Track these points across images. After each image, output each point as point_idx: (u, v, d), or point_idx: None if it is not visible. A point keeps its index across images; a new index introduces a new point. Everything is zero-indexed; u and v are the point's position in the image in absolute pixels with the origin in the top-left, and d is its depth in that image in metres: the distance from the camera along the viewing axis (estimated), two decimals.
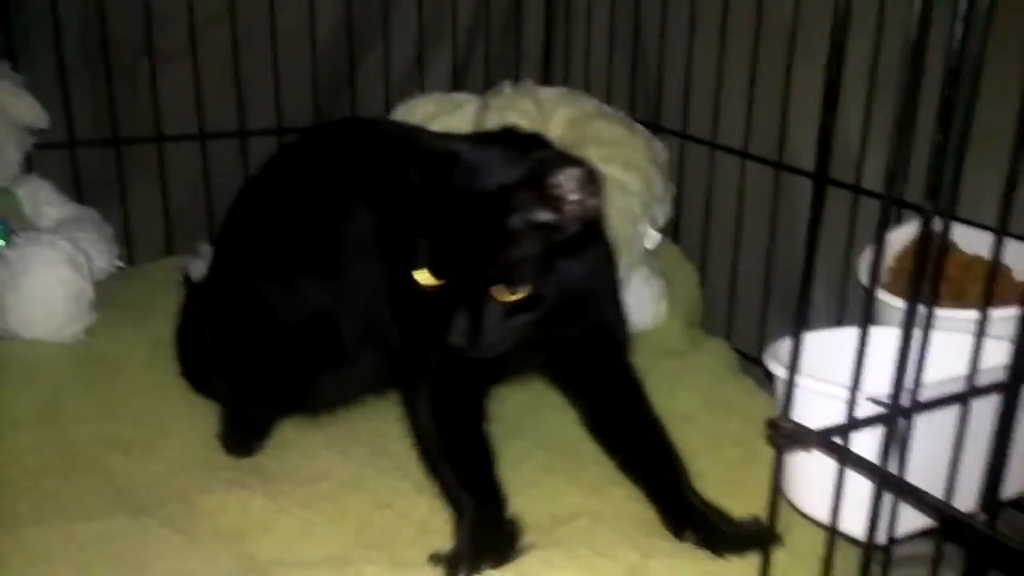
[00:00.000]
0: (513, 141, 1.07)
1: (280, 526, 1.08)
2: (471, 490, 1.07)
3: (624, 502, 1.12)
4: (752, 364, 1.50)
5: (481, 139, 1.07)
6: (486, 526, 1.04)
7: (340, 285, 1.20)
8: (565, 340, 1.11)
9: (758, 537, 1.01)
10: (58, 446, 1.17)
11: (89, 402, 1.25)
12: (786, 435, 0.72)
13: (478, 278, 0.94)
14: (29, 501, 1.07)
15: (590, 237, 1.00)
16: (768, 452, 1.15)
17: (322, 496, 1.13)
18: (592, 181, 0.94)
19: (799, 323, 0.73)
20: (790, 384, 0.73)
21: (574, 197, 0.94)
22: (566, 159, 0.95)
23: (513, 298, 0.95)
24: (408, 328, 1.13)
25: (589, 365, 1.17)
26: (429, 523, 1.09)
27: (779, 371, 0.94)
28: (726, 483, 1.15)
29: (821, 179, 0.73)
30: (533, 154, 0.98)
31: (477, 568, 0.98)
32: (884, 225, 0.75)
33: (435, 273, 0.95)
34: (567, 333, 1.09)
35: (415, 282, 0.97)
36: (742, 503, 1.10)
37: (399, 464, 1.18)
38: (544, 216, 0.95)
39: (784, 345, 0.99)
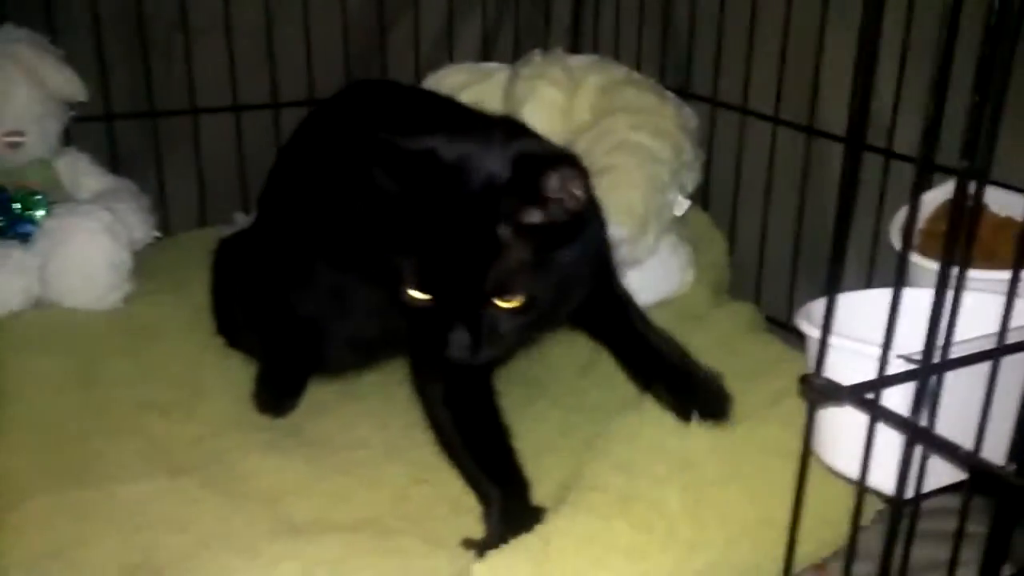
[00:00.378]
0: (489, 129, 1.02)
1: (317, 490, 1.10)
2: (494, 478, 1.06)
3: None
4: (780, 329, 1.51)
5: (456, 129, 1.03)
6: (514, 514, 1.03)
7: (347, 268, 1.19)
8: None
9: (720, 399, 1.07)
10: (99, 409, 1.19)
11: (128, 367, 1.28)
12: (818, 391, 0.73)
13: (473, 292, 0.92)
14: (73, 463, 1.09)
15: (583, 219, 0.97)
16: (780, 392, 1.19)
17: (358, 464, 1.14)
18: (580, 174, 0.93)
19: (833, 282, 0.73)
20: (823, 341, 0.74)
21: (564, 195, 0.92)
22: (550, 157, 0.94)
23: (511, 305, 0.93)
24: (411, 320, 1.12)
25: (596, 308, 1.16)
26: (462, 502, 1.09)
27: (811, 331, 0.95)
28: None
29: (856, 145, 0.73)
30: (514, 146, 0.95)
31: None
32: (919, 188, 0.75)
33: (425, 290, 0.93)
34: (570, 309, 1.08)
35: (405, 297, 0.94)
36: (749, 441, 1.11)
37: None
38: (535, 218, 0.92)
39: (816, 306, 0.99)
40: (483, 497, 1.06)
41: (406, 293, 0.94)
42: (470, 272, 0.91)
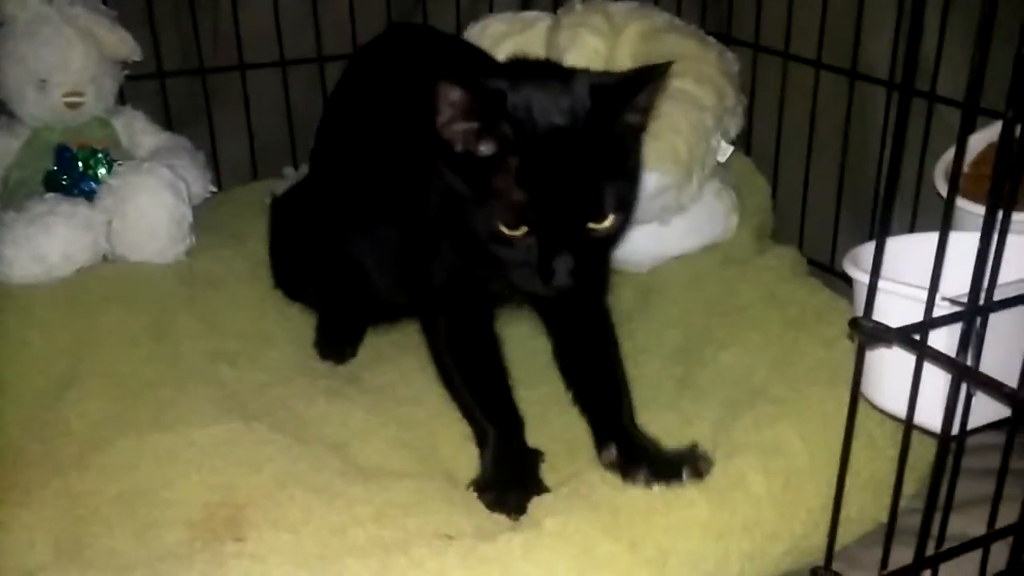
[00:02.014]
0: (540, 71, 1.06)
1: (380, 437, 1.13)
2: (491, 417, 1.10)
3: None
4: (825, 272, 1.53)
5: (505, 73, 1.06)
6: (507, 455, 1.07)
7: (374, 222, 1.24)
8: None
9: (683, 462, 1.00)
10: (170, 359, 1.24)
11: (195, 318, 1.33)
12: (868, 333, 0.76)
13: (578, 218, 0.97)
14: (150, 409, 1.14)
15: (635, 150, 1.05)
16: (824, 337, 1.23)
17: (416, 413, 1.18)
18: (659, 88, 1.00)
19: (883, 226, 0.76)
20: (872, 285, 0.77)
21: (650, 100, 1.00)
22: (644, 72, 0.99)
23: (606, 225, 0.98)
24: (416, 256, 1.15)
25: (569, 301, 1.15)
26: None
27: (858, 275, 0.98)
28: (779, 364, 1.21)
29: (907, 89, 0.75)
30: (581, 77, 1.00)
31: (503, 494, 1.02)
32: (965, 131, 0.77)
33: (528, 222, 0.96)
34: None
35: (496, 234, 0.97)
36: (790, 380, 1.16)
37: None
38: (634, 119, 0.99)
39: (862, 250, 1.02)
40: (479, 436, 1.10)
41: (498, 230, 0.97)
42: (572, 193, 0.95)
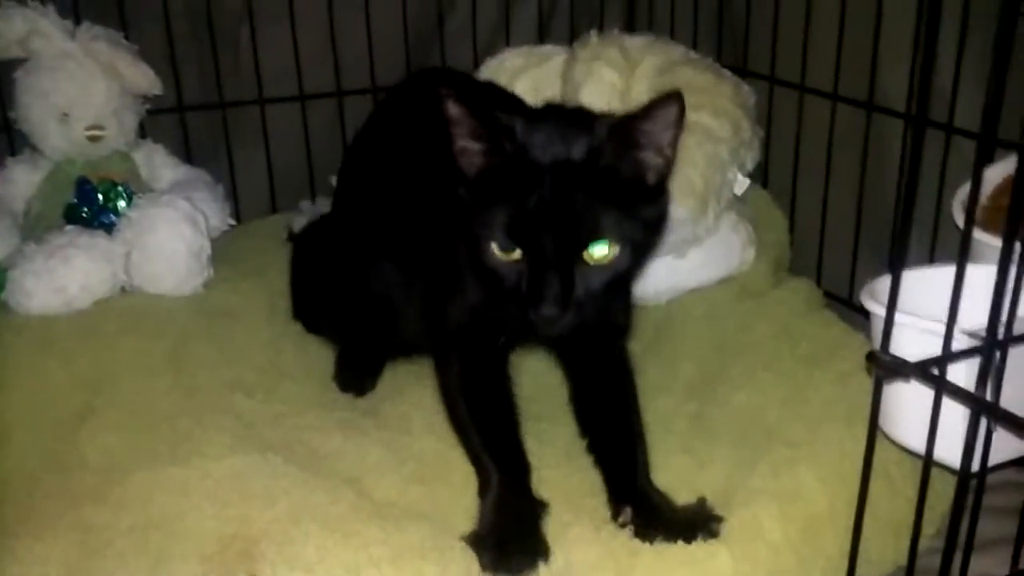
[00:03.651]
0: (565, 115, 1.05)
1: (397, 473, 1.12)
2: (497, 461, 1.07)
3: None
4: (843, 306, 1.52)
5: (530, 113, 1.07)
6: (510, 503, 1.04)
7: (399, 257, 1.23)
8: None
9: (696, 522, 1.00)
10: (188, 390, 1.24)
11: (213, 350, 1.33)
12: (885, 367, 0.76)
13: (569, 243, 0.94)
14: (166, 442, 1.14)
15: (662, 192, 1.01)
16: (838, 372, 1.22)
17: (434, 449, 1.17)
18: (682, 116, 0.95)
19: (898, 259, 0.76)
20: (889, 318, 0.77)
21: (659, 142, 0.96)
22: (654, 105, 0.95)
23: (601, 256, 0.95)
24: (434, 295, 1.15)
25: (586, 345, 1.15)
26: (539, 490, 1.09)
27: (875, 308, 0.97)
28: (793, 402, 1.21)
29: (921, 121, 0.75)
30: (602, 120, 0.98)
31: (505, 556, 0.97)
32: (981, 163, 0.77)
33: (519, 243, 0.95)
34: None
35: (490, 259, 0.97)
36: (806, 420, 1.15)
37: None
38: (636, 152, 0.96)
39: (880, 283, 1.01)
40: (482, 481, 1.07)
41: (492, 255, 0.96)
42: (567, 217, 0.94)
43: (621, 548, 0.98)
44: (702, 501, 1.03)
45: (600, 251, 0.95)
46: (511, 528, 1.01)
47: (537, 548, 0.99)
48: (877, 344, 0.81)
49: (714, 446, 1.17)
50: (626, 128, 0.95)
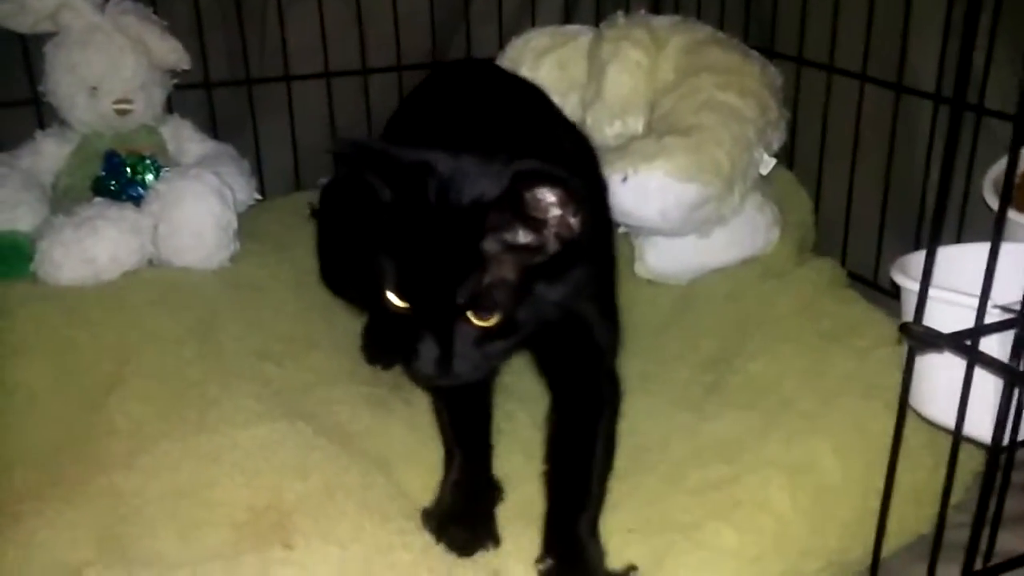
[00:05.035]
0: (500, 141, 1.01)
1: (424, 461, 1.12)
2: (459, 439, 1.08)
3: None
4: (865, 286, 1.52)
5: (466, 140, 0.99)
6: (464, 483, 1.04)
7: None
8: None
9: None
10: (216, 359, 1.24)
11: (240, 321, 1.33)
12: (918, 337, 0.76)
13: (448, 302, 0.88)
14: (194, 410, 1.15)
15: (575, 255, 0.92)
16: (856, 348, 1.22)
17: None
18: (573, 199, 0.88)
19: (935, 232, 0.76)
20: (923, 291, 0.77)
21: (553, 216, 0.88)
22: (546, 175, 0.87)
23: (485, 324, 0.90)
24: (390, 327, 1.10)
25: (567, 361, 1.11)
26: None
27: (907, 283, 0.97)
28: (810, 375, 1.21)
29: (958, 104, 0.75)
30: (517, 164, 0.89)
31: (447, 528, 0.98)
32: (1018, 144, 0.77)
33: (402, 295, 0.91)
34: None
35: (386, 301, 0.93)
36: (822, 392, 1.15)
37: (534, 420, 1.17)
38: (522, 237, 0.89)
39: (910, 259, 1.01)
40: (446, 459, 1.08)
41: (387, 298, 0.92)
42: (446, 280, 0.88)
43: None
44: (631, 568, 0.96)
45: (481, 317, 0.89)
46: (460, 507, 1.02)
47: (483, 531, 0.99)
48: (908, 319, 0.81)
49: (723, 406, 1.18)
50: (520, 187, 0.87)
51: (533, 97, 1.33)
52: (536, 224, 0.88)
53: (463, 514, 1.01)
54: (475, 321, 0.89)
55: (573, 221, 0.89)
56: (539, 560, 0.96)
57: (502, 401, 1.20)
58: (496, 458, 1.11)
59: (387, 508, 1.01)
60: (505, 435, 1.15)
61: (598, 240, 1.10)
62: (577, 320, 1.06)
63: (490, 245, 0.88)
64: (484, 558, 0.97)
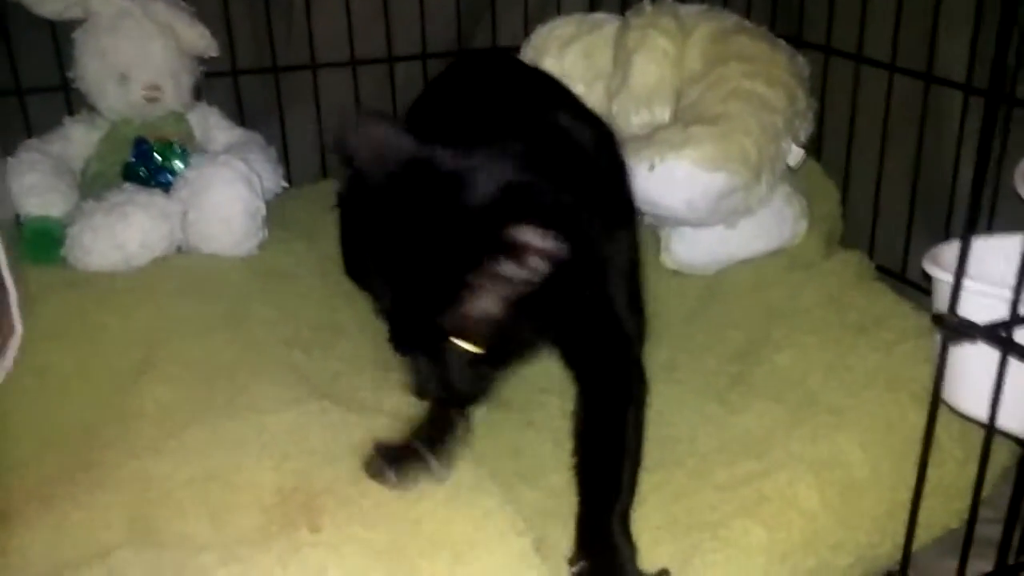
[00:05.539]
0: (508, 133, 1.00)
1: None
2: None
3: None
4: (892, 279, 1.51)
5: (473, 133, 1.00)
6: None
7: None
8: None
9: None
10: (245, 345, 1.25)
11: (269, 308, 1.34)
12: (952, 328, 0.75)
13: (433, 328, 0.89)
14: (224, 394, 1.15)
15: (564, 281, 0.90)
16: (883, 341, 1.22)
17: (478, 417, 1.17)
18: (557, 228, 0.85)
19: (971, 222, 0.75)
20: (957, 280, 0.76)
21: (536, 249, 0.85)
22: (528, 208, 0.87)
23: (471, 350, 0.90)
24: None
25: (592, 352, 1.10)
26: None
27: (939, 273, 0.96)
28: (836, 368, 1.21)
29: (994, 95, 0.74)
30: (511, 172, 0.90)
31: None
32: None
33: (390, 316, 0.92)
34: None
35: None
36: (849, 385, 1.15)
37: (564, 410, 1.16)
38: (506, 271, 0.87)
39: (942, 250, 1.01)
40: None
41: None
42: (430, 307, 0.88)
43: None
44: (663, 572, 0.95)
45: (469, 342, 0.89)
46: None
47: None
48: (940, 310, 0.81)
49: (750, 398, 1.18)
50: (496, 243, 0.85)
51: (549, 88, 1.33)
52: (519, 259, 0.86)
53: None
54: (464, 346, 0.89)
55: (557, 249, 0.86)
56: (572, 561, 0.95)
57: (531, 390, 1.21)
58: (527, 446, 1.12)
59: (413, 491, 1.01)
60: (535, 426, 1.16)
61: (620, 229, 1.11)
62: (603, 310, 1.07)
63: (475, 277, 0.87)
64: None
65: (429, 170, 0.91)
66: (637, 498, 1.03)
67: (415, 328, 0.91)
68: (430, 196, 0.90)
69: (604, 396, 1.08)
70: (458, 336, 0.89)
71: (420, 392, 0.93)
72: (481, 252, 0.86)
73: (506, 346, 0.92)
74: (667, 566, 0.95)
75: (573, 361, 1.13)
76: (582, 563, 0.94)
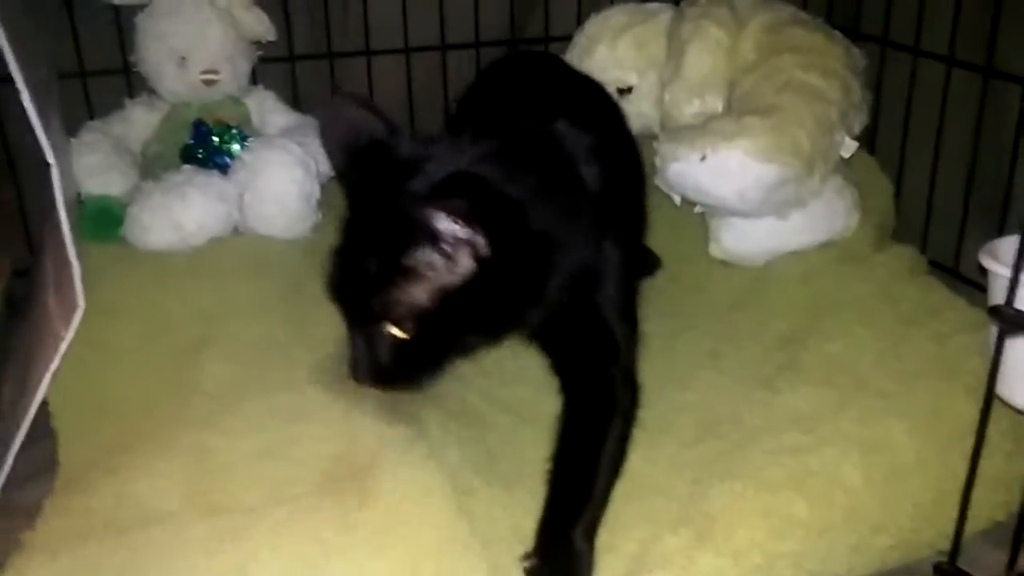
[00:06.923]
0: (486, 138, 0.98)
1: (499, 422, 1.14)
2: None
3: None
4: (945, 274, 1.50)
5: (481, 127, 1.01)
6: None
7: None
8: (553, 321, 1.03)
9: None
10: (300, 323, 1.27)
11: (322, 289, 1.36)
12: (1009, 320, 0.75)
13: (366, 309, 0.91)
14: (279, 371, 1.18)
15: (505, 278, 0.91)
16: (937, 333, 1.22)
17: (519, 398, 1.19)
18: (483, 220, 0.85)
19: None
20: (1015, 274, 0.76)
21: (461, 239, 0.86)
22: (462, 198, 0.86)
23: (401, 336, 0.91)
24: None
25: (578, 358, 1.08)
26: None
27: (996, 267, 0.96)
28: (887, 357, 1.20)
29: None
30: (456, 161, 0.91)
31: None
32: None
33: (329, 289, 0.95)
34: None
35: None
36: (899, 374, 1.15)
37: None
38: (431, 258, 0.88)
39: (1000, 243, 1.00)
40: None
41: None
42: (364, 286, 0.90)
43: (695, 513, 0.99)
44: None
45: (400, 328, 0.90)
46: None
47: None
48: (995, 303, 0.81)
49: (797, 383, 1.18)
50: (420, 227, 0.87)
51: (573, 95, 1.34)
52: (438, 247, 0.87)
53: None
54: (396, 332, 0.90)
55: (481, 243, 0.87)
56: (525, 557, 0.92)
57: (519, 388, 1.21)
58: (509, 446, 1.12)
59: (461, 464, 1.03)
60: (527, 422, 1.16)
61: (615, 238, 1.09)
62: (590, 317, 1.06)
63: (409, 260, 0.89)
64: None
65: (386, 155, 0.94)
66: (673, 463, 1.05)
67: (351, 307, 0.93)
68: (382, 180, 0.92)
69: (587, 404, 1.05)
70: (386, 319, 0.91)
71: (352, 371, 0.94)
72: (411, 237, 0.88)
73: (439, 338, 0.92)
74: (707, 514, 0.96)
75: (559, 368, 1.10)
76: (534, 560, 0.91)
